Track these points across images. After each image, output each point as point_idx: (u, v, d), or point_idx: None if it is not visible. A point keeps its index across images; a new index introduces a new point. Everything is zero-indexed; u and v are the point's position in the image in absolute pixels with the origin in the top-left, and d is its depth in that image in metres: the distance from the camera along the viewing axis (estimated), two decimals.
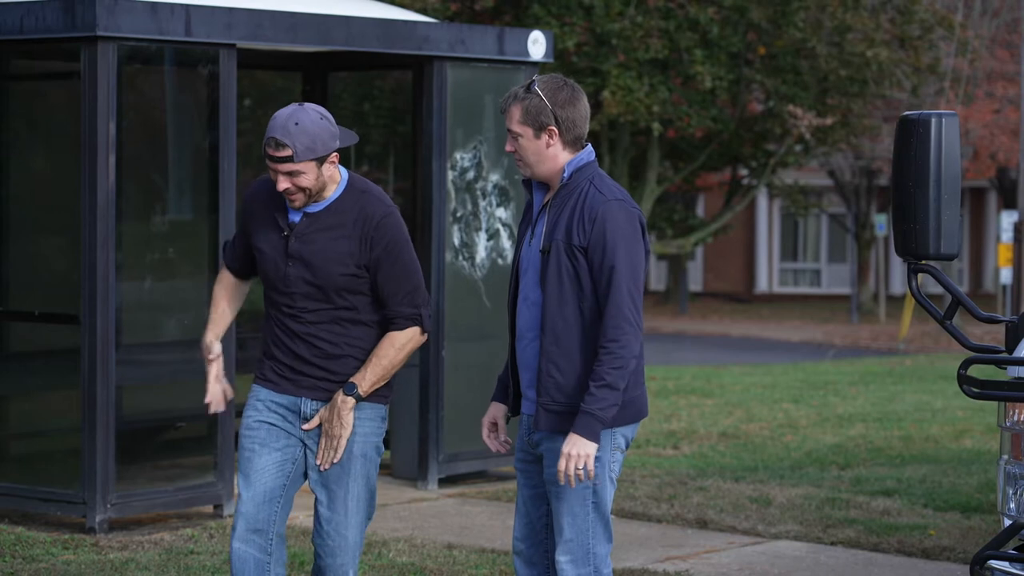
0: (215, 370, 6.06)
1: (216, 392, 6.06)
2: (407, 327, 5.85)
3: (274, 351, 5.92)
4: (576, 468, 5.39)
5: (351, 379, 5.83)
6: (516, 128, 5.53)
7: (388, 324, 5.85)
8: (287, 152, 5.71)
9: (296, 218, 5.85)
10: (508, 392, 5.75)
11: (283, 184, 5.75)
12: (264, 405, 5.91)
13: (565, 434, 5.47)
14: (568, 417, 5.48)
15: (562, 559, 5.55)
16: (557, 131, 5.52)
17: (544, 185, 5.66)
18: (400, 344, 5.83)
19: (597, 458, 5.48)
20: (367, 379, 5.82)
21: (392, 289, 5.82)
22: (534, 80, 5.54)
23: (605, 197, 5.50)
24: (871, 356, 25.33)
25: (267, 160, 5.76)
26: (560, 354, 5.48)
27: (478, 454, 10.55)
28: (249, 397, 5.98)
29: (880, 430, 14.17)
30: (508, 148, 5.60)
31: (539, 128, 5.51)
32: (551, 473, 5.54)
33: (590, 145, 5.66)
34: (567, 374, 5.49)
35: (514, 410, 5.72)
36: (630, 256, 5.46)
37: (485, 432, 5.80)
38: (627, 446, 5.63)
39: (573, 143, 5.56)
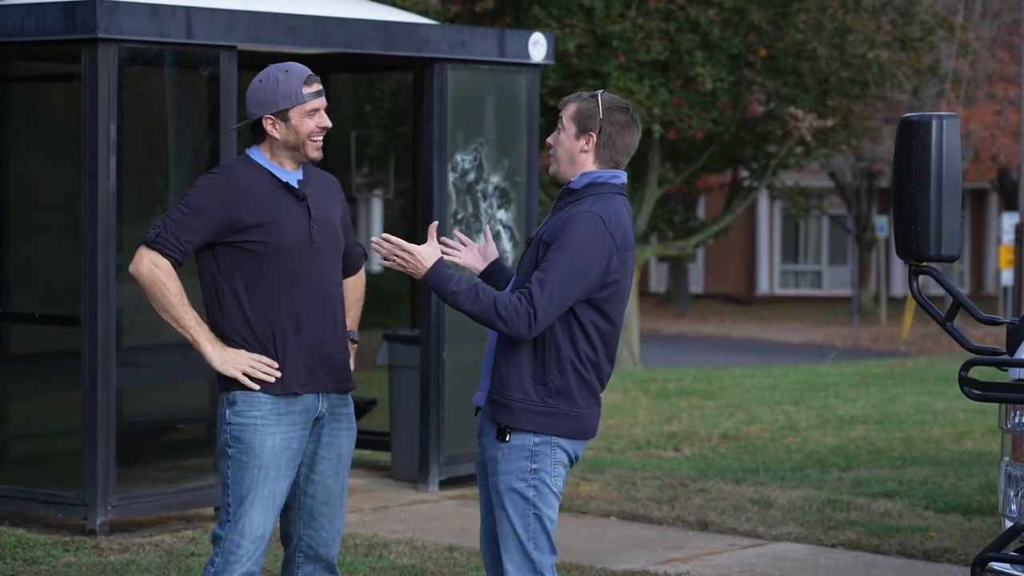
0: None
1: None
2: (361, 265, 6.18)
3: (288, 342, 5.74)
4: (395, 256, 5.49)
5: (350, 328, 6.04)
6: (565, 121, 5.62)
7: (347, 271, 6.07)
8: (320, 86, 5.78)
9: (296, 184, 5.82)
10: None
11: (327, 120, 5.77)
12: (287, 420, 5.75)
13: (498, 425, 5.53)
14: (502, 409, 5.52)
15: (508, 567, 5.60)
16: (596, 140, 5.57)
17: None
18: (364, 282, 6.23)
19: (537, 471, 5.51)
20: (356, 324, 6.15)
21: (351, 240, 6.07)
22: (602, 92, 5.65)
23: (588, 209, 5.51)
24: (872, 358, 25.34)
25: (308, 101, 5.69)
26: (510, 345, 5.53)
27: None
28: (254, 410, 5.75)
29: (881, 432, 14.16)
30: (549, 140, 5.69)
31: (582, 130, 5.58)
32: (495, 481, 5.59)
33: (624, 173, 5.66)
34: (512, 366, 5.53)
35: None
36: (576, 263, 5.43)
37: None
38: (571, 462, 5.64)
39: (606, 161, 5.60)
